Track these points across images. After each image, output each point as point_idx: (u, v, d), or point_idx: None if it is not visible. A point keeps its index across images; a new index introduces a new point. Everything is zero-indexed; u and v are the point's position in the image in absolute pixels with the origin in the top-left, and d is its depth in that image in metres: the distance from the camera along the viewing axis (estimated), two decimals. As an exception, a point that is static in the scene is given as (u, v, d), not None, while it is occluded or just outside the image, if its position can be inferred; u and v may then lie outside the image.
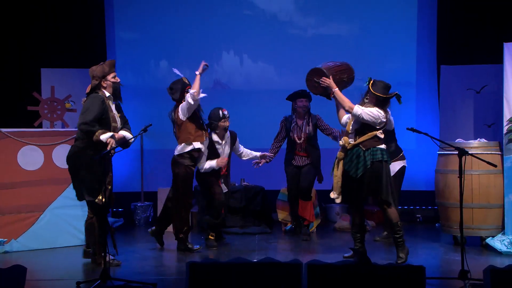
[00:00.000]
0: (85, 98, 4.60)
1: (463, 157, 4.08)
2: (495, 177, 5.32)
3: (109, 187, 4.60)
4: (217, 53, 7.57)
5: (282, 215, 6.36)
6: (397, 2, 7.48)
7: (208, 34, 7.52)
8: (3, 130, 5.34)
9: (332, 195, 4.64)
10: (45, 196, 5.43)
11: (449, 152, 5.38)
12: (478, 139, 5.57)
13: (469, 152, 4.21)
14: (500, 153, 5.36)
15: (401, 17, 7.48)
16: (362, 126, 4.57)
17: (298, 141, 5.75)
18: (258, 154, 5.62)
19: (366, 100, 4.61)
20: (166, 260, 4.97)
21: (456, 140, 5.60)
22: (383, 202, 4.57)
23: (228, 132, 5.47)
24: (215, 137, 5.37)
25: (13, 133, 5.36)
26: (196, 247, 5.23)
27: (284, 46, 7.55)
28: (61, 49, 7.23)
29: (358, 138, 4.55)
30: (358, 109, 4.50)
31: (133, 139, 4.61)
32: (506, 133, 5.29)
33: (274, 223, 6.43)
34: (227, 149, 5.46)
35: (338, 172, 4.60)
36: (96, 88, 4.58)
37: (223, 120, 5.31)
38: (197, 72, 5.08)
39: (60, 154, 5.51)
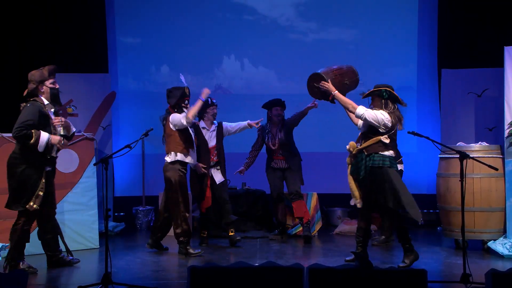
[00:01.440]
0: (24, 103, 4.57)
1: (465, 161, 4.08)
2: (497, 181, 5.31)
3: (41, 193, 4.49)
4: (218, 58, 7.60)
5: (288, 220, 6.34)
6: (398, 7, 7.50)
7: (209, 39, 7.54)
8: (4, 135, 5.32)
9: (352, 202, 4.64)
10: (46, 201, 5.43)
11: (450, 156, 5.38)
12: (480, 142, 5.56)
13: (471, 156, 4.20)
14: (501, 156, 5.36)
15: (401, 22, 7.50)
16: (368, 130, 4.57)
17: (273, 148, 5.96)
18: (245, 123, 5.73)
19: (372, 107, 4.64)
20: (167, 264, 4.97)
21: (457, 144, 5.59)
22: (384, 209, 4.55)
23: (215, 122, 5.67)
24: (202, 124, 5.62)
25: (13, 138, 5.35)
26: (197, 251, 5.22)
27: (285, 51, 7.57)
28: (63, 54, 7.25)
29: (364, 142, 4.55)
30: (361, 109, 4.50)
31: (134, 143, 4.58)
32: (507, 137, 5.28)
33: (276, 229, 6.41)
34: (213, 136, 5.65)
35: (350, 177, 4.63)
36: (33, 93, 4.56)
37: (211, 107, 5.59)
38: (200, 98, 5.12)
39: (62, 159, 5.49)
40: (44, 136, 4.42)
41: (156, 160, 7.30)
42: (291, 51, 7.56)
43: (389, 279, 3.46)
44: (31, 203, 4.42)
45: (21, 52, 7.19)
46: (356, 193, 4.63)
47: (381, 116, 4.50)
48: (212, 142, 5.63)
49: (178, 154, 5.16)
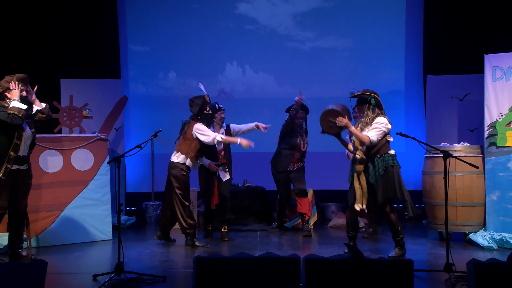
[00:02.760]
0: None
1: (448, 160, 4.07)
2: (478, 178, 5.32)
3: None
4: (221, 65, 7.60)
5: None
6: (387, 18, 7.50)
7: (213, 47, 7.55)
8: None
9: (358, 207, 4.58)
10: (64, 197, 5.45)
11: (435, 155, 5.38)
12: (462, 142, 5.57)
13: (453, 155, 4.20)
14: (482, 155, 5.37)
15: (390, 32, 7.50)
16: None
17: (303, 149, 5.88)
18: (253, 124, 5.65)
19: (359, 113, 4.62)
20: (174, 255, 4.97)
21: (441, 144, 5.62)
22: (385, 206, 4.55)
23: (224, 125, 5.61)
24: (212, 129, 5.48)
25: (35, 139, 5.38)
26: (202, 244, 5.24)
27: (283, 58, 7.57)
28: (78, 61, 7.28)
29: (371, 148, 4.53)
30: (372, 137, 4.45)
31: (144, 143, 4.59)
32: (487, 137, 5.30)
33: (274, 221, 6.43)
34: None
35: (357, 184, 4.56)
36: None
37: (219, 112, 5.53)
38: (245, 144, 5.07)
39: (78, 158, 5.55)
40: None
41: (164, 159, 7.27)
42: (289, 58, 7.56)
43: (378, 268, 3.49)
44: None
45: (45, 60, 7.23)
46: (363, 199, 4.56)
47: (382, 128, 4.50)
48: (220, 145, 5.53)
49: (188, 159, 5.16)
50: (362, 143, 4.52)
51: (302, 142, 5.87)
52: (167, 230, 5.44)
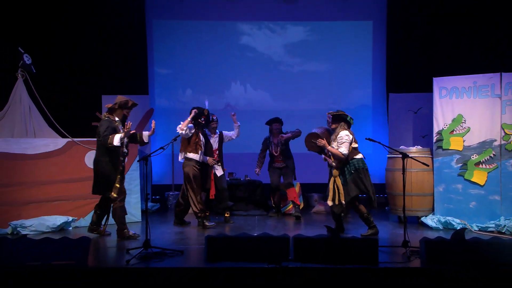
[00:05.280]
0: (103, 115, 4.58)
1: (405, 159, 4.10)
2: (428, 174, 5.35)
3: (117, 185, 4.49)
4: (227, 83, 7.61)
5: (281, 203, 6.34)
6: (358, 48, 7.53)
7: (221, 69, 7.56)
8: (75, 139, 5.38)
9: (329, 203, 4.58)
10: (103, 187, 5.47)
11: (395, 156, 5.40)
12: (416, 146, 5.59)
13: (410, 156, 4.22)
14: (431, 156, 5.39)
15: (360, 58, 7.53)
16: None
17: (275, 154, 5.89)
18: (235, 126, 5.66)
19: (333, 126, 4.62)
20: (189, 234, 4.95)
21: (400, 147, 5.63)
22: (354, 200, 4.56)
23: (218, 132, 5.62)
24: (208, 132, 5.56)
25: (81, 142, 5.41)
26: (211, 223, 5.25)
27: (277, 79, 7.59)
28: (116, 81, 7.28)
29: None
30: (343, 150, 4.48)
31: (166, 146, 4.60)
32: (435, 142, 5.33)
33: (270, 208, 6.44)
34: (216, 142, 5.60)
35: (331, 185, 4.55)
36: (111, 111, 4.55)
37: (212, 122, 5.53)
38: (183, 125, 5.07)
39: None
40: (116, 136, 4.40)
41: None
42: (282, 79, 7.58)
43: (351, 245, 3.51)
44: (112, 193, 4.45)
45: (91, 79, 7.21)
46: (340, 196, 4.53)
47: (347, 138, 4.51)
48: (214, 146, 5.58)
49: (188, 153, 5.20)
50: (338, 158, 4.52)
51: (274, 150, 5.89)
52: (181, 217, 5.42)
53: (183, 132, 5.09)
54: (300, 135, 5.81)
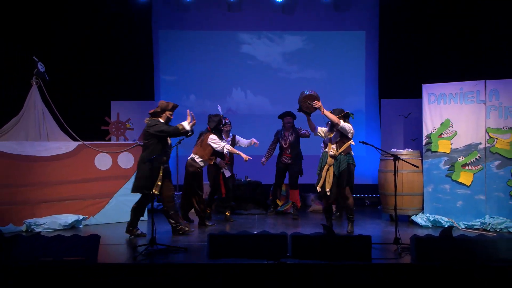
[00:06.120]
0: (148, 119, 4.55)
1: (397, 161, 4.11)
2: (418, 175, 5.35)
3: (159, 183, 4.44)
4: (229, 89, 7.60)
5: (280, 203, 6.32)
6: (352, 56, 7.53)
7: (222, 76, 7.56)
8: (86, 142, 5.38)
9: (318, 188, 4.59)
10: (112, 187, 5.46)
11: (387, 158, 5.42)
12: (406, 149, 5.59)
13: (401, 158, 4.25)
14: (421, 158, 5.40)
15: (354, 66, 7.52)
16: (341, 139, 4.57)
17: (284, 146, 5.79)
18: (250, 140, 5.62)
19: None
20: (193, 232, 4.96)
21: (392, 150, 5.63)
22: (345, 193, 4.57)
23: (231, 135, 5.58)
24: (224, 138, 5.48)
25: (91, 145, 5.41)
26: (211, 223, 5.23)
27: (276, 85, 7.58)
28: (124, 87, 7.28)
29: (339, 147, 4.56)
30: (341, 122, 4.51)
31: (171, 148, 4.61)
32: (425, 145, 5.33)
33: (269, 208, 6.40)
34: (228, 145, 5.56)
35: (324, 172, 4.56)
36: (156, 114, 4.54)
37: (225, 126, 5.49)
38: (244, 157, 5.06)
39: (123, 159, 5.55)
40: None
41: (185, 160, 7.32)
42: (280, 85, 7.57)
43: (346, 242, 3.51)
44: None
45: (100, 86, 7.19)
46: (328, 184, 4.52)
47: (349, 126, 4.57)
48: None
49: (204, 161, 5.15)
50: (333, 123, 4.52)
51: (283, 142, 5.80)
52: (185, 214, 5.40)
53: (226, 150, 5.07)
54: (309, 137, 5.73)
